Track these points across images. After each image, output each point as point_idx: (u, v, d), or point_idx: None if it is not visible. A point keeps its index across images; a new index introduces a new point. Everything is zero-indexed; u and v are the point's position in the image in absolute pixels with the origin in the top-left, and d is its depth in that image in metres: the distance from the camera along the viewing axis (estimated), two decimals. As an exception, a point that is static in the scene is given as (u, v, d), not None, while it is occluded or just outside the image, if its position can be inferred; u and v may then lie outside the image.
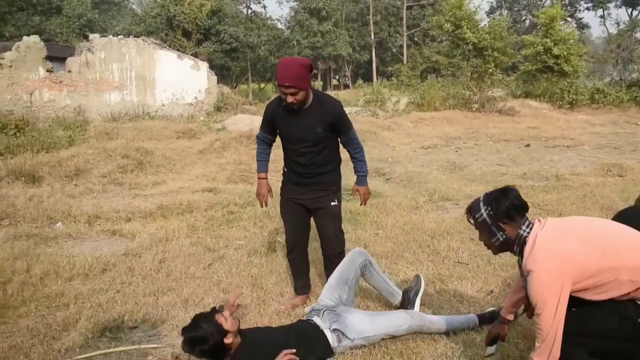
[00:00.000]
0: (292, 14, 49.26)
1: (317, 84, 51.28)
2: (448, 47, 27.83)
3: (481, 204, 2.69)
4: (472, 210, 2.74)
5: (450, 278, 4.53)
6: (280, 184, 4.19)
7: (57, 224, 6.49)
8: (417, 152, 13.16)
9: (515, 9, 57.92)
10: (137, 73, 18.38)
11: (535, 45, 26.19)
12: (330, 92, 35.98)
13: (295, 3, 47.52)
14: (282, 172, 4.16)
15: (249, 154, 11.42)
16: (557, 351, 2.48)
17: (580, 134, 16.55)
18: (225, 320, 2.94)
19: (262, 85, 51.64)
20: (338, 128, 3.85)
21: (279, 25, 50.58)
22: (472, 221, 2.76)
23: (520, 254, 2.64)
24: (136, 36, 20.47)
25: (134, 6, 52.83)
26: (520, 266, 2.67)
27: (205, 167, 10.27)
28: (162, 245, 5.58)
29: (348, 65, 50.19)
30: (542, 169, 10.21)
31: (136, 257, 5.26)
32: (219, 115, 18.41)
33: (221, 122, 15.89)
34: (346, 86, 49.98)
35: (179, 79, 19.00)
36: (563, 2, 50.09)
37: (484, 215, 2.65)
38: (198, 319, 2.98)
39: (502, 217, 2.61)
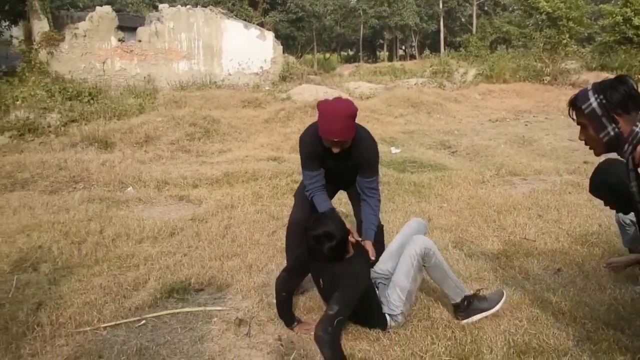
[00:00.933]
0: (359, -18, 48.59)
1: (383, 55, 50.66)
2: (520, 17, 26.93)
3: (590, 92, 2.33)
4: (577, 101, 2.38)
5: (517, 254, 4.42)
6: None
7: (128, 189, 6.73)
8: (484, 125, 12.84)
9: (595, -24, 55.07)
10: (204, 42, 18.65)
11: (614, 15, 24.92)
12: (396, 63, 35.43)
13: (363, -29, 46.83)
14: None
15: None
16: None
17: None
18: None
19: (327, 55, 51.44)
20: (363, 171, 3.54)
21: (346, -6, 50.03)
22: (574, 115, 2.44)
23: (631, 154, 2.30)
24: (204, 6, 20.70)
25: (202, -24, 53.43)
26: (629, 172, 2.38)
27: (270, 136, 10.36)
28: (227, 212, 5.70)
29: (415, 35, 49.21)
30: (617, 145, 9.77)
31: (203, 222, 5.39)
32: (284, 84, 18.48)
33: (286, 92, 15.96)
34: (412, 56, 49.07)
35: (245, 48, 19.17)
36: (647, -31, 47.29)
37: (594, 104, 2.29)
38: (322, 218, 3.08)
39: (616, 106, 2.24)
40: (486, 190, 6.50)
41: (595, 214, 5.48)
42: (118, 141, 9.29)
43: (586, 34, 27.72)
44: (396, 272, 3.27)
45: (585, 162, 8.10)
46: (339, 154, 3.32)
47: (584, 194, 6.29)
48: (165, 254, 4.52)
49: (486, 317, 3.35)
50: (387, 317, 3.25)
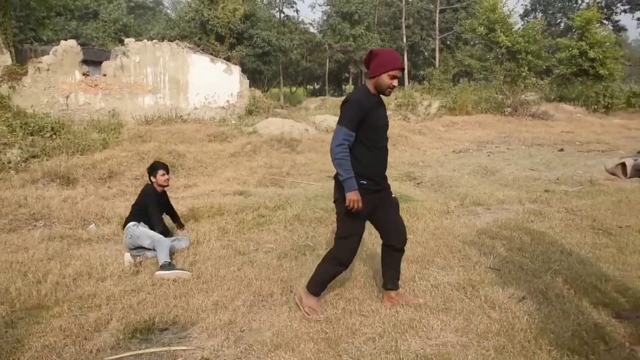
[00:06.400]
0: (325, 17, 49.39)
1: (349, 88, 51.30)
2: (481, 51, 27.66)
3: None
4: None
5: (482, 284, 4.46)
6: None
7: (91, 226, 6.60)
8: (448, 156, 13.04)
9: (550, 11, 57.03)
10: (170, 76, 18.63)
11: (571, 49, 25.86)
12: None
13: (328, 7, 47.61)
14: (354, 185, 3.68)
15: (280, 157, 11.48)
16: None
17: (616, 138, 16.19)
18: None
19: (294, 88, 51.85)
20: None
21: (311, 29, 50.88)
22: None
23: None
24: (170, 40, 20.75)
25: (168, 11, 53.71)
26: None
27: (236, 170, 10.34)
28: (193, 248, 5.63)
29: (380, 69, 49.96)
30: (576, 173, 10.02)
31: (167, 258, 5.30)
32: (250, 118, 18.54)
33: (252, 126, 16.00)
34: (377, 90, 49.72)
35: (212, 82, 19.21)
36: (599, 5, 49.18)
37: None
38: None
39: None
40: (451, 221, 6.57)
41: (557, 241, 5.59)
42: (81, 177, 9.15)
43: (544, 67, 28.54)
44: None
45: (546, 191, 8.28)
46: (382, 103, 3.83)
47: (546, 222, 6.42)
48: (129, 293, 4.43)
49: (432, 344, 3.37)
50: None
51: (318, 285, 3.98)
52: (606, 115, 23.21)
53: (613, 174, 2.61)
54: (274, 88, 42.55)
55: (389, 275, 4.08)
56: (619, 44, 33.50)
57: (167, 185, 6.12)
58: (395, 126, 16.47)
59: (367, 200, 3.74)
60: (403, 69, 3.75)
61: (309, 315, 3.87)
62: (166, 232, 5.80)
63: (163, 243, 5.21)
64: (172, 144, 12.21)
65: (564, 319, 3.76)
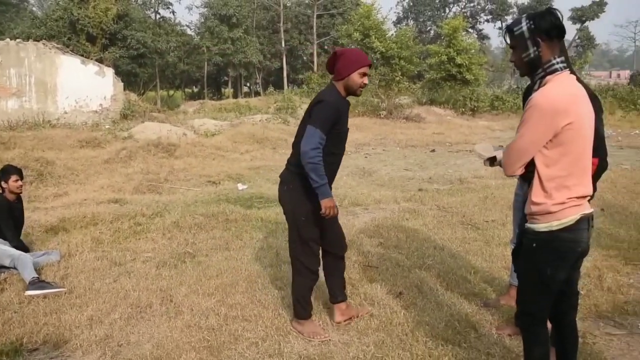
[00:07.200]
0: (202, 20, 48.53)
1: (228, 91, 50.89)
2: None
3: (523, 17, 2.58)
4: (511, 25, 2.61)
5: (361, 282, 4.59)
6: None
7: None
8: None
9: (421, 19, 60.06)
10: (37, 79, 17.51)
11: (440, 55, 27.34)
12: (241, 100, 35.82)
13: (206, 9, 46.86)
14: (304, 186, 3.57)
15: (157, 163, 11.13)
16: (517, 160, 2.49)
17: (482, 138, 17.34)
18: None
19: (171, 92, 50.52)
20: None
21: (189, 32, 49.70)
22: (508, 38, 2.64)
23: (541, 79, 2.54)
24: (36, 40, 19.48)
25: (34, 8, 50.10)
26: (524, 103, 2.61)
27: (110, 178, 9.89)
28: (64, 261, 5.29)
29: (259, 72, 50.06)
30: (446, 172, 10.61)
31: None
32: (125, 123, 17.81)
33: (128, 130, 15.41)
34: (257, 93, 49.83)
35: (83, 85, 18.29)
36: (465, 14, 52.61)
37: (524, 27, 2.53)
38: None
39: (541, 32, 2.48)
40: (330, 222, 6.69)
41: (430, 238, 5.88)
42: None
43: (416, 72, 29.98)
44: None
45: (419, 190, 8.69)
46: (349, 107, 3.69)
47: (420, 219, 6.73)
48: (-8, 312, 4.09)
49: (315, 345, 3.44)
50: None
51: (302, 304, 3.73)
52: (473, 117, 24.81)
53: (480, 157, 2.81)
54: (151, 91, 41.21)
55: (337, 286, 3.91)
56: (483, 51, 35.93)
57: (21, 193, 5.54)
58: (275, 129, 16.58)
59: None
60: (371, 66, 3.68)
61: (313, 340, 3.61)
62: (23, 247, 5.28)
63: (24, 260, 4.79)
64: (39, 151, 11.46)
65: (437, 310, 3.97)
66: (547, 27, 2.47)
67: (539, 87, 2.53)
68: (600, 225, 6.33)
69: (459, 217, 6.85)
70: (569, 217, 2.42)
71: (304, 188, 3.56)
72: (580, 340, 3.49)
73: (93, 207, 7.41)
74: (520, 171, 2.52)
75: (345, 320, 3.85)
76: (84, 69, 18.63)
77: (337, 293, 3.89)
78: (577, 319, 3.70)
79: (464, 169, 11.09)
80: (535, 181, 2.48)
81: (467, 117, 24.83)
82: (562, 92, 2.41)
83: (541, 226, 2.46)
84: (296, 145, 3.63)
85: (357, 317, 3.88)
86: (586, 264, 4.94)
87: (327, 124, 3.42)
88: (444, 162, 12.55)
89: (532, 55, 2.53)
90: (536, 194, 2.47)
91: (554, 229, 2.43)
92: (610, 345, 3.51)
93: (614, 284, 4.52)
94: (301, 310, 3.72)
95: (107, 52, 31.41)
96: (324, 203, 3.40)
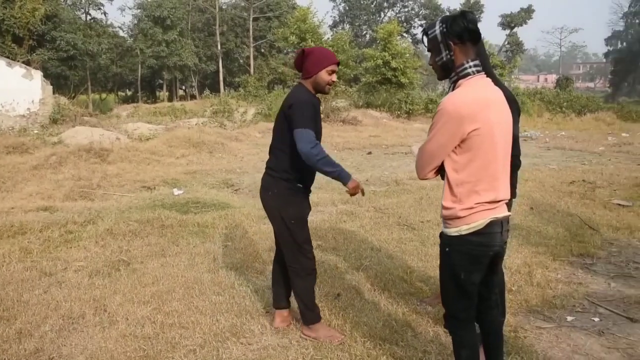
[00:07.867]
0: (135, 22, 47.37)
1: (163, 95, 49.92)
2: (293, 59, 28.52)
3: (437, 21, 2.59)
4: (427, 28, 2.64)
5: (300, 285, 4.60)
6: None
7: None
8: (265, 162, 13.24)
9: (357, 23, 60.69)
10: (-44, 82, 16.67)
11: (375, 59, 27.73)
12: (176, 103, 35.19)
13: (139, 11, 45.73)
14: (289, 189, 3.62)
15: (89, 168, 10.81)
16: (426, 163, 2.51)
17: (417, 141, 17.66)
18: None
19: (104, 95, 49.11)
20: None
21: (121, 33, 48.43)
22: (425, 41, 2.66)
23: (454, 82, 2.57)
24: (-45, 41, 18.56)
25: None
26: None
27: (40, 185, 9.52)
28: (-11, 272, 5.07)
29: (194, 75, 49.34)
30: (383, 174, 10.77)
31: (-43, 286, 4.72)
32: (55, 127, 17.19)
33: (58, 135, 14.88)
34: (193, 96, 49.08)
35: (9, 88, 17.57)
36: (399, 19, 53.60)
37: (437, 31, 2.55)
38: None
39: (453, 35, 2.50)
40: (269, 226, 6.65)
41: (367, 239, 5.96)
42: None
43: (352, 75, 30.33)
44: None
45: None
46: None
47: (357, 221, 6.81)
48: None
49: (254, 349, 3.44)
50: None
51: (310, 308, 3.67)
52: (408, 120, 25.31)
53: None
54: (82, 95, 39.90)
55: (283, 293, 3.87)
56: (417, 55, 36.63)
57: None
58: (212, 133, 16.40)
59: (307, 204, 3.72)
60: (339, 63, 3.69)
61: (332, 342, 3.56)
62: None
63: None
64: (-39, 158, 10.91)
65: (375, 311, 4.03)
66: (459, 30, 2.49)
67: (450, 91, 2.57)
68: (529, 223, 6.60)
69: (395, 218, 6.97)
70: (478, 222, 2.44)
71: (288, 191, 3.59)
72: (512, 334, 3.65)
73: (21, 216, 7.11)
74: (431, 175, 2.55)
75: (287, 326, 3.85)
76: (11, 72, 17.91)
77: (282, 299, 3.87)
78: (509, 314, 3.86)
79: (400, 170, 11.30)
80: (446, 186, 2.51)
81: (403, 119, 25.30)
82: (470, 97, 2.43)
83: (452, 230, 2.50)
84: (274, 149, 3.69)
85: (329, 340, 3.62)
86: (516, 261, 5.16)
87: (311, 121, 3.42)
88: (381, 164, 12.75)
89: (444, 58, 2.55)
90: (446, 199, 2.50)
91: (463, 233, 2.46)
92: (540, 339, 3.66)
93: (543, 279, 4.71)
94: (312, 315, 3.67)
95: (35, 54, 30.25)
96: (350, 185, 3.38)
